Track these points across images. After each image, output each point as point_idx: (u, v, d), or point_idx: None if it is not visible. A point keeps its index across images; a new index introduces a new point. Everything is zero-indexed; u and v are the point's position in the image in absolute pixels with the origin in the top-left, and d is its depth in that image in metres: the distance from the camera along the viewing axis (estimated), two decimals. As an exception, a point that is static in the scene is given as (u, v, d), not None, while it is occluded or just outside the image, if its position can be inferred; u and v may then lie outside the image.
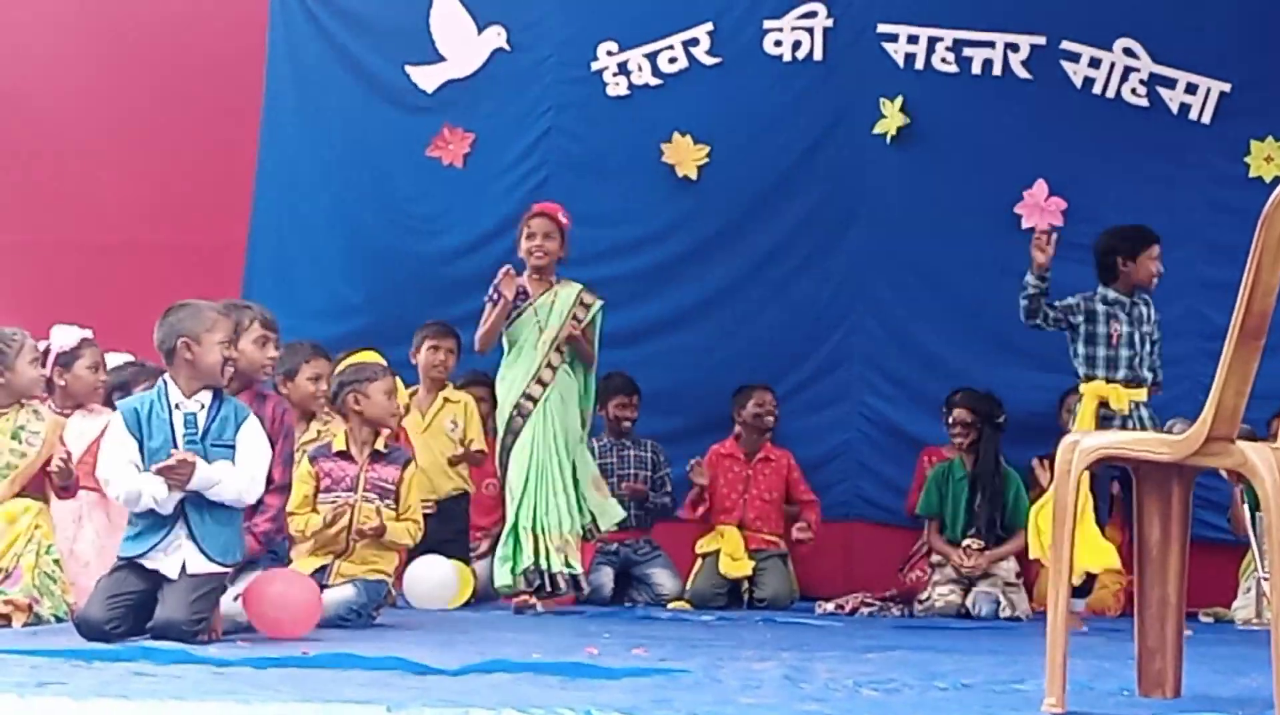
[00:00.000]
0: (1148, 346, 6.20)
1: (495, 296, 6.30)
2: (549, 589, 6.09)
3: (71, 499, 5.41)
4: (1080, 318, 6.16)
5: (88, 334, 5.88)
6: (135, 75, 8.12)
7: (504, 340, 6.37)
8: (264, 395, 5.18)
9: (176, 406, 4.59)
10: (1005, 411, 7.02)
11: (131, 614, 4.45)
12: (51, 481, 5.28)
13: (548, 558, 6.06)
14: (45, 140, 8.13)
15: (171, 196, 8.01)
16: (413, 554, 6.16)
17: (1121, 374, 6.10)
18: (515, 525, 6.10)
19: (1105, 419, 6.03)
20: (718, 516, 7.29)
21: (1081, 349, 6.17)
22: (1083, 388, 6.16)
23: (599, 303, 6.47)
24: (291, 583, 4.92)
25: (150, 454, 4.54)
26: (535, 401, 6.25)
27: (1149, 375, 6.20)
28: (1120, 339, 6.13)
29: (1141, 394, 6.13)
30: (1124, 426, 5.90)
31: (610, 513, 6.45)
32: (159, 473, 4.46)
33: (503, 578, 6.11)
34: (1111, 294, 6.20)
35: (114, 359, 6.15)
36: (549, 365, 6.29)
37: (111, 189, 8.03)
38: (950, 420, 7.06)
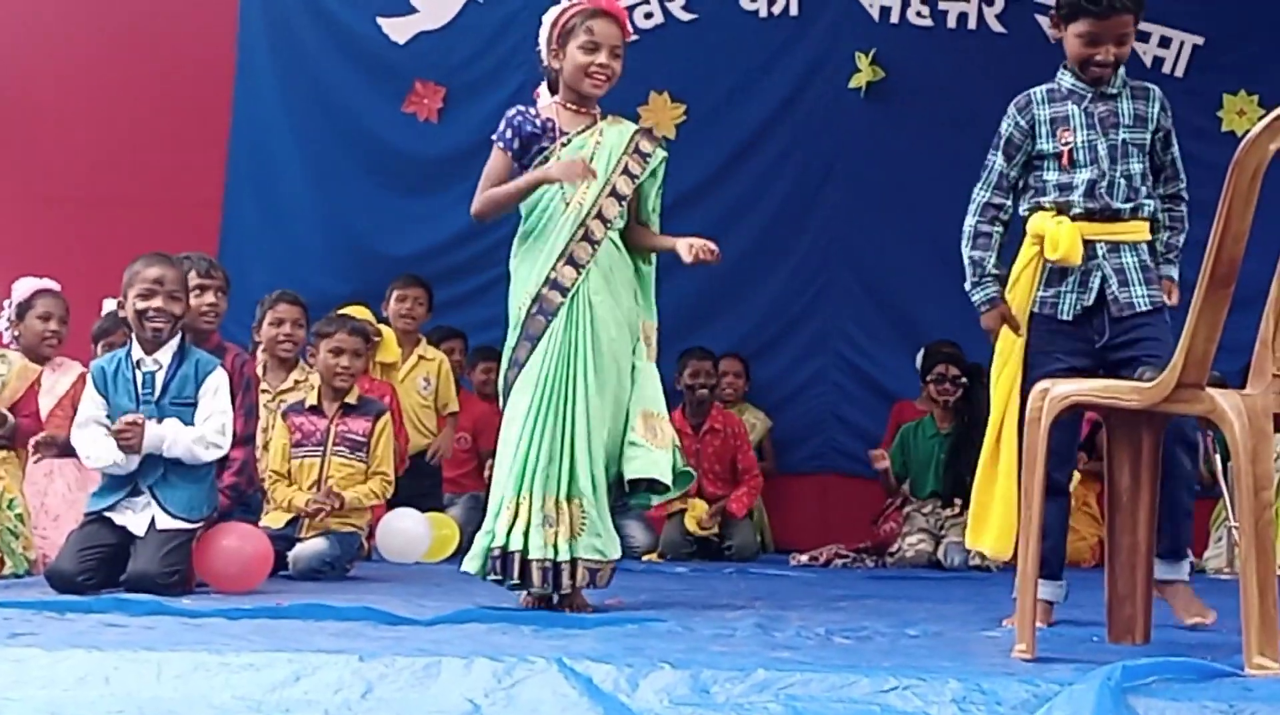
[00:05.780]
0: (1134, 162, 3.94)
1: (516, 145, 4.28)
2: (517, 579, 4.07)
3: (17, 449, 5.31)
4: (1019, 146, 4.05)
5: (46, 284, 5.81)
6: (110, 32, 8.05)
7: (520, 206, 4.32)
8: (224, 347, 5.16)
9: (138, 364, 4.60)
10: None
11: (103, 566, 4.44)
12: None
13: (525, 536, 4.06)
14: (22, 97, 8.04)
15: (147, 153, 7.94)
16: (388, 506, 6.15)
17: (1078, 204, 3.93)
18: (503, 486, 4.16)
19: (1057, 273, 3.96)
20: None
21: (1030, 181, 4.06)
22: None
23: (662, 152, 4.37)
24: (241, 538, 4.75)
25: (116, 411, 4.53)
26: (566, 292, 4.17)
27: (1130, 206, 3.94)
28: (1073, 154, 3.94)
29: (1124, 231, 3.95)
30: (1083, 284, 3.95)
31: (654, 462, 4.22)
32: (113, 436, 4.46)
33: (471, 560, 4.17)
34: (1067, 83, 4.01)
35: (108, 306, 6.07)
36: (586, 237, 4.20)
37: (87, 146, 7.96)
38: (933, 375, 7.00)
